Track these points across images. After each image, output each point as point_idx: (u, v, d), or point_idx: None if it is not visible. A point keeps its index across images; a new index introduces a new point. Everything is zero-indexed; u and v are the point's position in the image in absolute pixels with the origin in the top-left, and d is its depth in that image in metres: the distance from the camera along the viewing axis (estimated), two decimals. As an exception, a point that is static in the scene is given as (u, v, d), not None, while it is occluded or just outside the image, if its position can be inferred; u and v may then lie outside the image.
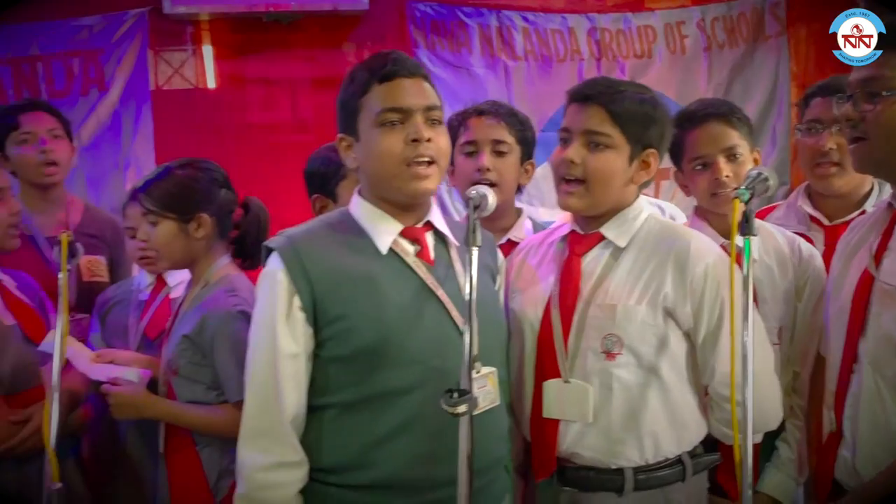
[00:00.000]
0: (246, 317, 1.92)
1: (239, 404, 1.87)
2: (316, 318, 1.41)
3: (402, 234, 1.48)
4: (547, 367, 1.57)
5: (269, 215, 2.12)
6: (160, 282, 2.37)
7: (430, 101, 1.44)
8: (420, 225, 1.50)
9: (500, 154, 1.97)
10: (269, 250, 1.47)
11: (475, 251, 1.30)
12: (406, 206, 1.48)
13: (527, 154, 2.04)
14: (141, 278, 2.42)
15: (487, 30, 3.57)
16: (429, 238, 1.50)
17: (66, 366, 2.15)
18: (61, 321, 1.80)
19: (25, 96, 3.19)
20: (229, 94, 3.40)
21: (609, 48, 3.65)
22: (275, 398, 1.41)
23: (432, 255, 1.49)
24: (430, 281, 1.45)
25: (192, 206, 1.97)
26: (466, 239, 1.30)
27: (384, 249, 1.45)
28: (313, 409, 1.44)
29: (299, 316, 1.41)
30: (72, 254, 1.88)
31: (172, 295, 2.35)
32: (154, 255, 2.09)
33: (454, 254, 1.52)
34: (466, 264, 1.48)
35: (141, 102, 3.32)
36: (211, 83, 3.41)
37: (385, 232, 1.46)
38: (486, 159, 1.94)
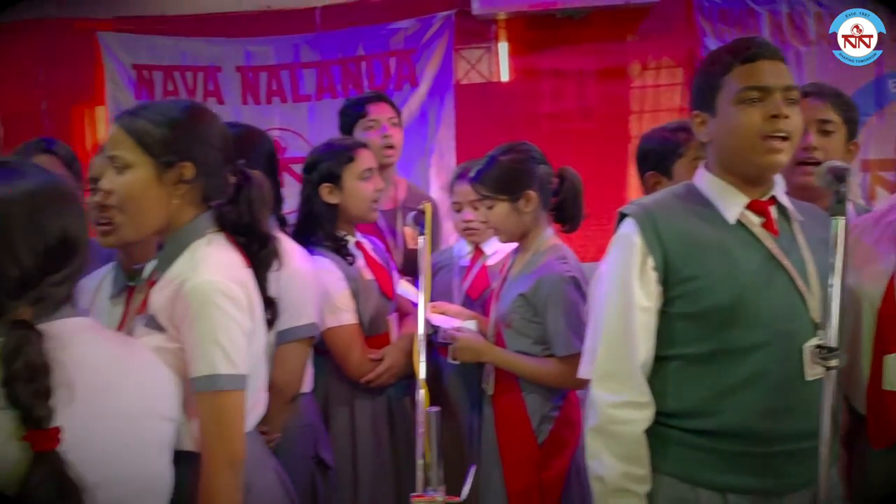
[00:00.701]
0: (575, 282, 2.15)
1: (565, 359, 2.13)
2: (666, 277, 1.54)
3: (748, 206, 1.56)
4: (889, 340, 1.61)
5: (582, 182, 2.33)
6: (478, 251, 2.69)
7: (788, 81, 1.53)
8: (765, 198, 1.58)
9: (826, 133, 2.01)
10: (623, 216, 1.63)
11: (841, 221, 1.35)
12: (754, 180, 1.57)
13: (851, 134, 2.06)
14: (460, 247, 2.76)
15: (777, 16, 3.52)
16: (773, 211, 1.59)
17: (407, 315, 2.54)
18: (424, 278, 2.10)
19: (351, 92, 3.70)
20: (521, 87, 3.67)
21: (910, 30, 3.44)
22: (626, 344, 1.55)
23: (776, 227, 1.58)
24: (775, 251, 1.53)
25: (519, 185, 2.21)
26: (832, 209, 1.37)
27: (732, 220, 1.55)
28: (658, 359, 1.57)
29: (652, 275, 1.54)
30: (421, 223, 2.21)
31: (489, 262, 2.67)
32: (494, 234, 2.38)
33: (796, 227, 1.59)
34: (809, 237, 1.59)
35: (445, 96, 3.70)
36: (504, 77, 3.72)
37: (733, 203, 1.56)
38: (813, 138, 2.00)
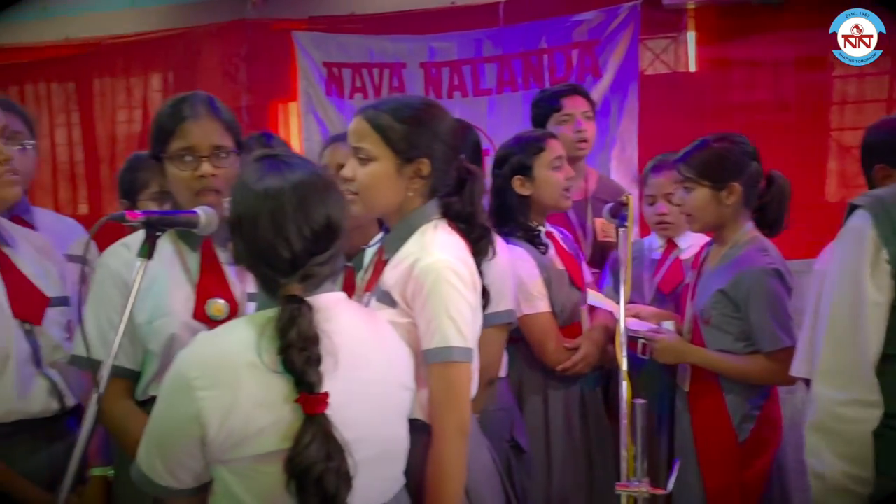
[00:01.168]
0: (778, 274, 2.06)
1: (772, 355, 2.06)
2: None
3: None
4: None
5: (791, 189, 2.23)
6: (670, 244, 2.64)
7: None
8: None
9: None
10: (854, 207, 1.55)
11: None
12: None
13: None
14: (652, 240, 2.72)
15: None
16: None
17: (596, 309, 2.54)
18: (624, 269, 2.07)
19: (532, 85, 3.72)
20: (710, 77, 3.56)
21: None
22: (855, 340, 1.48)
23: None
24: None
25: (726, 175, 2.15)
26: None
27: None
28: (886, 357, 1.48)
29: (885, 268, 1.47)
30: (620, 215, 2.18)
31: (683, 256, 2.61)
32: (686, 220, 2.32)
33: None
34: None
35: (629, 87, 3.64)
36: (692, 67, 3.61)
37: None
38: None
